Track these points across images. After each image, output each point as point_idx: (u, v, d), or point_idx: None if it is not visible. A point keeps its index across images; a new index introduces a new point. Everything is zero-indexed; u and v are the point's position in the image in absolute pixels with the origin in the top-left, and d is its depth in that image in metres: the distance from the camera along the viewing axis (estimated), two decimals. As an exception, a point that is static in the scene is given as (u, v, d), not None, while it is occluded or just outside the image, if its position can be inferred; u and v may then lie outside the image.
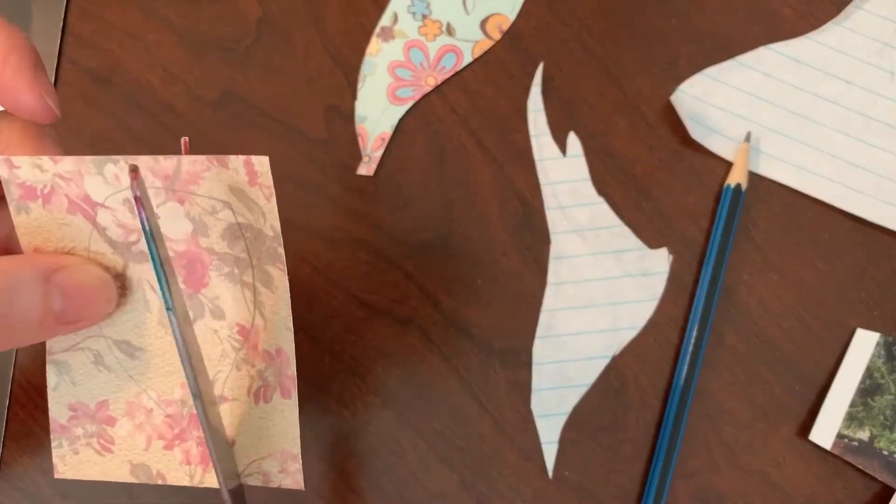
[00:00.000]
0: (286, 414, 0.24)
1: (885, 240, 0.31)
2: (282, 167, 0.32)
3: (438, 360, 0.31)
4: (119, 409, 0.23)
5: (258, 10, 0.33)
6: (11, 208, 0.21)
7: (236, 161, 0.20)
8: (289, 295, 0.22)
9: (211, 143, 0.32)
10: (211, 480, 0.23)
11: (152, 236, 0.19)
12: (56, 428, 0.23)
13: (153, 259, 0.19)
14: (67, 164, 0.20)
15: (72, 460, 0.23)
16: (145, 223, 0.19)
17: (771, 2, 0.32)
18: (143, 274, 0.22)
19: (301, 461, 0.24)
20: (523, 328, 0.31)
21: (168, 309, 0.19)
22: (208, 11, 0.33)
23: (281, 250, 0.22)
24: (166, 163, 0.20)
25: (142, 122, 0.32)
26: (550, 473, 0.31)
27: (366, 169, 0.32)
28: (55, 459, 0.23)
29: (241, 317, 0.22)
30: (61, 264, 0.20)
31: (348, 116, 0.32)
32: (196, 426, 0.23)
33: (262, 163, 0.20)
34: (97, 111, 0.32)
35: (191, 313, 0.22)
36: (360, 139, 0.32)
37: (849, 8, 0.32)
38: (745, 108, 0.32)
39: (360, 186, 0.32)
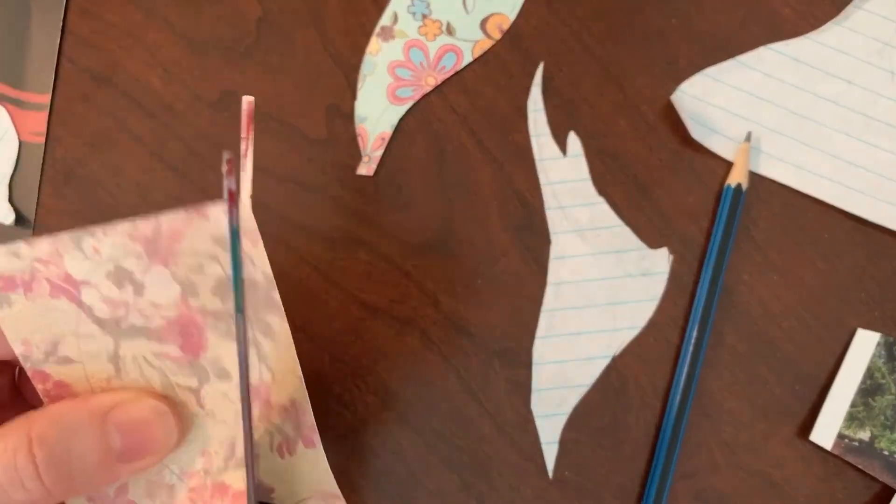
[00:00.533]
0: (314, 462, 0.23)
1: (886, 240, 0.31)
2: (282, 167, 0.32)
3: (438, 360, 0.31)
4: (139, 491, 0.22)
5: (258, 10, 0.33)
6: None
7: (216, 210, 0.19)
8: (292, 342, 0.21)
9: (211, 144, 0.32)
10: None
11: (237, 237, 0.18)
12: None
13: (234, 260, 0.18)
14: (44, 245, 0.19)
15: None
16: (234, 223, 0.17)
17: (771, 2, 0.32)
18: (137, 350, 0.21)
19: (343, 498, 0.23)
20: (523, 328, 0.31)
21: (238, 311, 0.18)
22: (208, 11, 0.33)
23: (276, 296, 0.20)
24: (145, 225, 0.19)
25: (142, 121, 0.32)
26: (551, 474, 0.31)
27: (366, 169, 0.32)
28: None
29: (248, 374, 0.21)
30: (116, 401, 0.20)
31: (348, 116, 0.32)
32: (219, 495, 0.22)
33: (241, 207, 0.19)
34: (97, 111, 0.32)
35: (195, 380, 0.21)
36: (360, 139, 0.32)
37: (849, 8, 0.32)
38: (745, 108, 0.32)
39: (360, 186, 0.32)
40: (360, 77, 0.32)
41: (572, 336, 0.31)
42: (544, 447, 0.31)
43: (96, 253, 0.19)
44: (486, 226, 0.32)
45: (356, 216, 0.32)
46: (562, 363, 0.31)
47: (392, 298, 0.31)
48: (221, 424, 0.21)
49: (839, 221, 0.32)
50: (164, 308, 0.20)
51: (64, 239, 0.19)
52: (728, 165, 0.32)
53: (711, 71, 0.32)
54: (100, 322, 0.20)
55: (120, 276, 0.20)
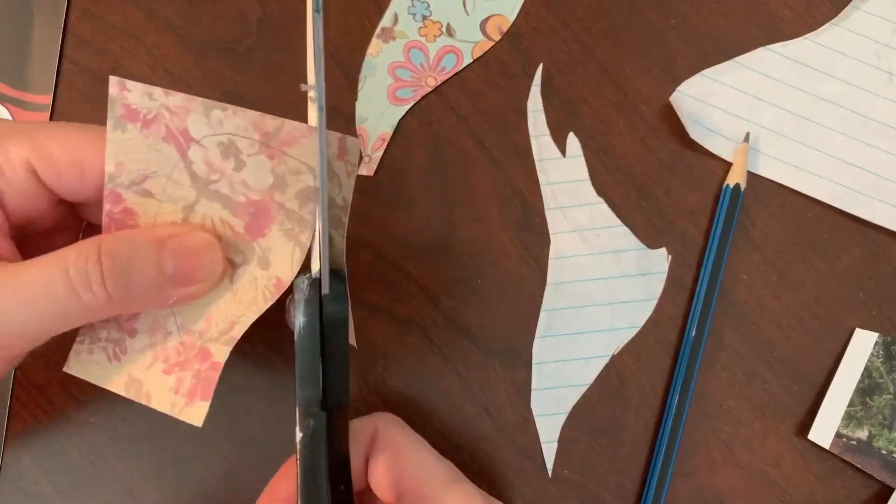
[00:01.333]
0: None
1: (884, 239, 0.32)
2: (282, 167, 0.32)
3: (438, 359, 0.31)
4: (145, 324, 0.24)
5: (259, 11, 0.33)
6: (109, 124, 0.22)
7: (332, 136, 0.22)
8: (344, 256, 0.24)
9: (212, 144, 0.32)
10: (189, 415, 0.23)
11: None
12: (87, 327, 0.24)
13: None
14: (178, 99, 0.22)
15: (84, 359, 0.24)
16: None
17: (770, 3, 0.33)
18: (211, 211, 0.23)
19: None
20: (523, 328, 0.31)
21: (317, 11, 0.20)
22: (209, 12, 0.33)
23: (346, 220, 0.23)
24: (271, 122, 0.22)
25: (143, 122, 0.32)
26: (550, 472, 0.31)
27: (366, 169, 0.32)
28: (71, 353, 0.24)
29: (283, 272, 0.23)
30: (174, 232, 0.22)
31: (349, 117, 0.32)
32: (201, 358, 0.24)
33: (353, 143, 0.22)
34: (99, 112, 0.32)
35: (241, 257, 0.23)
36: (360, 139, 0.32)
37: (847, 9, 0.32)
38: (744, 109, 0.32)
39: (360, 187, 0.32)
40: (361, 78, 0.32)
41: (572, 336, 0.31)
42: (544, 446, 0.31)
43: (220, 124, 0.22)
44: (486, 226, 0.32)
45: (357, 216, 0.32)
46: (561, 362, 0.31)
47: (392, 298, 0.31)
48: (236, 304, 0.23)
49: (837, 221, 0.32)
50: (252, 190, 0.22)
51: (197, 101, 0.22)
52: (727, 166, 0.32)
53: (710, 72, 0.32)
54: (193, 176, 0.22)
55: (229, 150, 0.22)
